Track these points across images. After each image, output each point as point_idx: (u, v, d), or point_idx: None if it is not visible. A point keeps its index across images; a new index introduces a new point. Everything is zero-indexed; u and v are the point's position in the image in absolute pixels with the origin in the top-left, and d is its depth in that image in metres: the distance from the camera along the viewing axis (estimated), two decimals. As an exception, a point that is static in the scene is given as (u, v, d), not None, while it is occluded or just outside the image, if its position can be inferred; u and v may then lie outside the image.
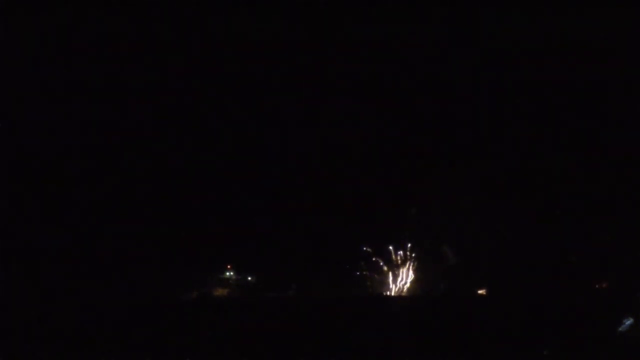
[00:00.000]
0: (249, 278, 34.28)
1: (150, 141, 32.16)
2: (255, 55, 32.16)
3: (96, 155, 31.45)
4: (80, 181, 31.17)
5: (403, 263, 33.78)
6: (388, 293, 33.52)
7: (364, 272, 33.71)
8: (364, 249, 33.51)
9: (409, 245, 33.65)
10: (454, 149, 32.92)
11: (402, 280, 33.71)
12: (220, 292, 33.56)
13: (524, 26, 29.77)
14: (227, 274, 34.11)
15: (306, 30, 31.01)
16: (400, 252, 33.71)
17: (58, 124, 30.62)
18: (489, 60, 31.42)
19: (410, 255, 33.65)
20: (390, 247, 33.67)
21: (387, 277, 33.72)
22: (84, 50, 30.47)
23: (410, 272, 33.71)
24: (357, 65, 32.49)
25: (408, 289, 33.65)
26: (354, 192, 33.46)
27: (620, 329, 21.19)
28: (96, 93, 31.00)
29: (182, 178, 32.63)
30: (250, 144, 33.38)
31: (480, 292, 32.90)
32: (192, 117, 32.72)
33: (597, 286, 31.08)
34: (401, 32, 30.67)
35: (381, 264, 33.70)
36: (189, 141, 32.87)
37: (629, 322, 21.22)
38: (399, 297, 32.96)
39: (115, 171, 31.74)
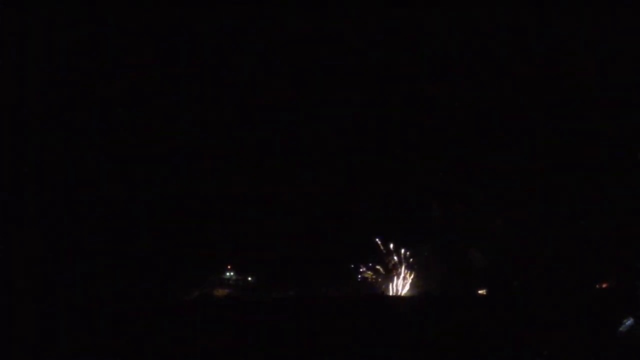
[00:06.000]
0: (249, 278, 34.31)
1: (150, 142, 32.22)
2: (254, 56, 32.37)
3: (96, 155, 31.50)
4: (80, 182, 31.20)
5: (418, 264, 33.73)
6: (396, 293, 33.49)
7: (368, 273, 33.73)
8: (373, 248, 33.58)
9: (429, 246, 33.57)
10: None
11: (420, 281, 33.63)
12: (220, 292, 33.60)
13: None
14: (227, 274, 34.15)
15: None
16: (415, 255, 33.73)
17: (60, 124, 30.68)
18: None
19: (432, 257, 33.56)
20: (403, 249, 33.73)
21: (394, 278, 33.72)
22: (83, 51, 30.59)
23: (425, 274, 33.60)
24: (365, 66, 32.61)
25: (420, 289, 33.53)
26: (360, 192, 33.59)
27: (620, 329, 21.19)
28: (98, 93, 31.09)
29: (182, 178, 32.68)
30: (252, 143, 33.45)
31: (480, 292, 32.90)
32: (192, 117, 32.80)
33: (597, 286, 31.12)
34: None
35: (387, 264, 33.75)
36: (189, 142, 32.94)
37: (629, 322, 21.23)
38: (401, 298, 32.93)
39: (115, 172, 31.79)
